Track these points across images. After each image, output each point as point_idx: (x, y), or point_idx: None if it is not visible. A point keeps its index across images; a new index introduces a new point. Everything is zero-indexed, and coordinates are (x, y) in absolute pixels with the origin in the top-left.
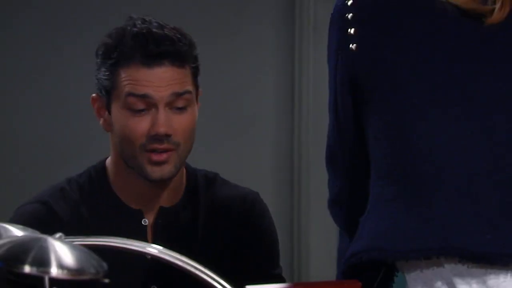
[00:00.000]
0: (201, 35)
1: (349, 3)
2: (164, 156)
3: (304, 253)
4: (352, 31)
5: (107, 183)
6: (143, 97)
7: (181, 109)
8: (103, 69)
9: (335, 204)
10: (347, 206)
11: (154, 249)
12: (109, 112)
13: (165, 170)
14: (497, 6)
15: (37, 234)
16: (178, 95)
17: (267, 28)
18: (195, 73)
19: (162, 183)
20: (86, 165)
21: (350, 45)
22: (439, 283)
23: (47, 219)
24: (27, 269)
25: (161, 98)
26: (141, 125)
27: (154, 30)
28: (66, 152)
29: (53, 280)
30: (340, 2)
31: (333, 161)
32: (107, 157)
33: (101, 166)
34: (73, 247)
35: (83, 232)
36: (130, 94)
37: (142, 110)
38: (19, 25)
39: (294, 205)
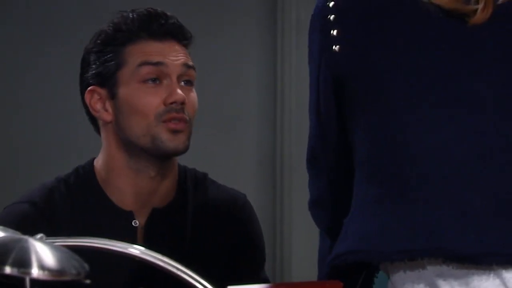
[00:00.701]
0: None
1: (331, 4)
2: (181, 125)
3: (287, 253)
4: (334, 32)
5: (97, 183)
6: (157, 64)
7: (189, 84)
8: (103, 54)
9: (317, 205)
10: (330, 207)
11: (136, 250)
12: (113, 97)
13: (181, 140)
14: (480, 6)
15: (18, 235)
16: (188, 66)
17: (250, 29)
18: (192, 61)
19: (161, 174)
20: (74, 164)
21: (333, 47)
22: (421, 285)
23: (35, 219)
24: (7, 270)
25: (175, 68)
26: (157, 95)
27: (158, 10)
28: (54, 151)
29: (34, 281)
30: (320, 3)
31: (316, 162)
32: (94, 158)
33: (89, 166)
34: (54, 248)
35: (71, 233)
36: (144, 63)
37: (154, 81)
38: (4, 25)
39: (277, 205)
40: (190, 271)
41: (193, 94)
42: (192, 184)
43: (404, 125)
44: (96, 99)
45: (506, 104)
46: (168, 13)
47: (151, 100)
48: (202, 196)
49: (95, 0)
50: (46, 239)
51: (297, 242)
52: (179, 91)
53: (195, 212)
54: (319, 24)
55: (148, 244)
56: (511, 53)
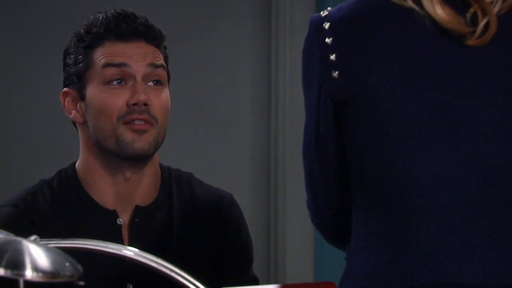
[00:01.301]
0: (177, 38)
1: (326, 26)
2: (144, 126)
3: (281, 254)
4: (333, 57)
5: (79, 184)
6: (120, 66)
7: (157, 84)
8: (75, 55)
9: (322, 218)
10: (332, 224)
11: (130, 252)
12: (83, 98)
13: (146, 140)
14: (479, 29)
15: (12, 237)
16: (155, 66)
17: (244, 30)
18: (165, 60)
19: (134, 173)
20: (59, 167)
21: (333, 73)
22: None
23: (19, 223)
24: (1, 271)
25: (138, 69)
26: (120, 96)
27: (126, 12)
28: (40, 154)
29: (28, 283)
30: (315, 25)
31: (315, 187)
32: (76, 160)
33: (71, 168)
34: (48, 250)
35: (57, 235)
36: (107, 64)
37: (119, 82)
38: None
39: (271, 205)
40: (184, 272)
41: (162, 94)
42: (176, 183)
43: (404, 154)
44: (70, 101)
45: (505, 127)
46: (138, 14)
47: (114, 102)
48: (187, 195)
49: (93, 2)
50: (40, 241)
51: (291, 243)
52: (142, 91)
53: (181, 210)
54: (317, 49)
55: (134, 242)
56: (508, 73)
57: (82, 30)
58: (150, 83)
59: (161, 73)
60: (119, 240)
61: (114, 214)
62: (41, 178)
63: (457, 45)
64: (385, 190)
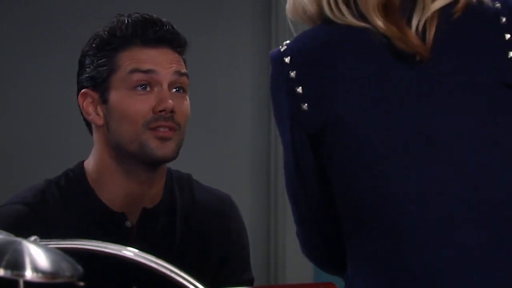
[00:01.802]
0: None
1: (287, 59)
2: (169, 133)
3: (281, 255)
4: (299, 89)
5: (88, 186)
6: (148, 72)
7: (181, 91)
8: (97, 58)
9: (315, 248)
10: (325, 253)
11: (130, 252)
12: (105, 102)
13: (170, 148)
14: (427, 42)
15: (11, 237)
16: (180, 74)
17: (244, 31)
18: (186, 66)
19: (152, 176)
20: (68, 164)
21: (302, 106)
22: None
23: (30, 220)
24: (1, 272)
25: (166, 75)
26: (147, 102)
27: (153, 17)
28: (48, 151)
29: (28, 283)
30: (276, 61)
31: (303, 220)
32: (83, 161)
33: (79, 168)
34: (48, 250)
35: (67, 235)
36: (135, 70)
37: (145, 88)
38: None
39: (271, 207)
40: (184, 273)
41: (185, 102)
42: (178, 184)
43: (384, 171)
44: (89, 102)
45: (481, 132)
46: (164, 20)
47: (140, 107)
48: (189, 196)
49: (92, 2)
50: (40, 241)
51: (291, 243)
52: (168, 99)
53: (183, 212)
54: (283, 84)
55: (141, 244)
56: (471, 78)
57: (105, 33)
58: (174, 90)
59: (185, 80)
60: (127, 243)
61: (123, 217)
62: (45, 177)
63: (416, 61)
64: (372, 213)
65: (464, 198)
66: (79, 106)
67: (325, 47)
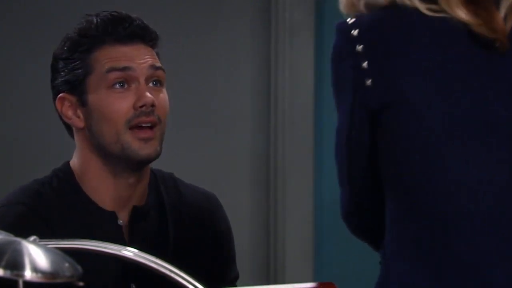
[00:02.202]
0: (176, 38)
1: (355, 32)
2: (150, 133)
3: (280, 255)
4: (365, 64)
5: (78, 186)
6: (125, 70)
7: (158, 85)
8: (71, 61)
9: (351, 215)
10: (364, 216)
11: (129, 252)
12: (84, 104)
13: (152, 147)
14: (507, 31)
15: (11, 237)
16: (155, 68)
17: (243, 30)
18: (160, 60)
19: (138, 174)
20: (44, 166)
21: (366, 81)
22: None
23: (32, 221)
24: (1, 272)
25: (142, 70)
26: (126, 100)
27: (122, 14)
28: (40, 153)
29: (27, 283)
30: (344, 33)
31: (343, 185)
32: (68, 161)
33: (67, 169)
34: (47, 250)
35: (64, 235)
36: (112, 69)
37: (123, 85)
38: None
39: (270, 207)
40: (183, 272)
41: (163, 95)
42: (163, 183)
43: (441, 154)
44: (67, 106)
45: None
46: (133, 15)
47: (120, 106)
48: (175, 194)
49: (92, 2)
50: (39, 241)
51: (291, 244)
52: (148, 93)
53: (173, 209)
54: (348, 57)
55: (134, 242)
56: None
57: (75, 34)
58: (151, 85)
59: (161, 74)
60: (121, 241)
61: (114, 216)
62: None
63: (489, 47)
64: (421, 196)
65: None
66: (57, 111)
67: (396, 26)
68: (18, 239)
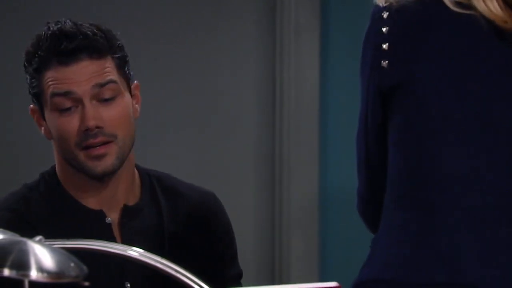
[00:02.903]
0: (180, 38)
1: (385, 15)
2: (102, 150)
3: (285, 255)
4: (385, 46)
5: (62, 188)
6: (66, 94)
7: (109, 100)
8: (29, 77)
9: (367, 203)
10: (371, 213)
11: (135, 252)
12: (44, 119)
13: (107, 163)
14: None
15: (16, 237)
16: (101, 85)
17: (249, 30)
18: (120, 64)
19: (110, 179)
20: (39, 169)
21: (382, 62)
22: None
23: (19, 226)
24: (6, 272)
25: (84, 92)
26: (71, 123)
27: (66, 28)
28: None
29: (33, 283)
30: (376, 14)
31: (360, 173)
32: (55, 164)
33: (53, 172)
34: (52, 250)
35: (52, 237)
36: (54, 94)
37: (69, 109)
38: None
39: (275, 206)
40: (189, 273)
41: (117, 107)
42: (158, 182)
43: (437, 151)
44: (37, 117)
45: None
46: (82, 26)
47: (67, 128)
48: (172, 193)
49: (93, 2)
50: (45, 241)
51: (296, 243)
52: (91, 115)
53: (169, 208)
54: (373, 38)
55: (127, 241)
56: None
57: (30, 50)
58: (98, 102)
59: (111, 88)
60: (111, 240)
61: (101, 214)
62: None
63: (510, 45)
64: (414, 184)
65: (506, 192)
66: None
67: (422, 13)
68: (24, 239)
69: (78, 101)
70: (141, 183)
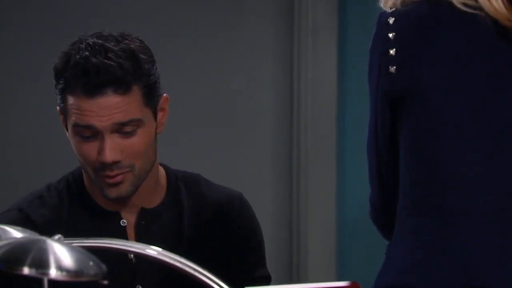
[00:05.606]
0: (197, 39)
1: (391, 21)
2: (118, 178)
3: (303, 254)
4: (392, 51)
5: (84, 188)
6: (87, 127)
7: (130, 133)
8: (56, 90)
9: (379, 212)
10: (384, 221)
11: (153, 251)
12: (67, 129)
13: (122, 190)
14: None
15: (36, 236)
16: (122, 124)
17: (266, 30)
18: (147, 93)
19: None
20: (61, 169)
21: (390, 68)
22: None
23: (22, 225)
24: (26, 270)
25: (106, 127)
26: (91, 151)
27: (94, 59)
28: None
29: (52, 282)
30: (383, 20)
31: (371, 181)
32: None
33: (78, 172)
34: (72, 249)
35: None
36: (76, 124)
37: (89, 137)
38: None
39: (293, 206)
40: (208, 272)
41: (134, 142)
42: (184, 184)
43: (450, 156)
44: (62, 120)
45: None
46: (107, 58)
47: (87, 154)
48: (197, 195)
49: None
50: (64, 239)
51: (314, 243)
52: (108, 150)
53: (191, 211)
54: (379, 44)
55: (144, 243)
56: None
57: (58, 66)
58: (122, 133)
59: (133, 124)
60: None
61: (117, 216)
62: (47, 181)
63: None
64: (427, 190)
65: None
66: None
67: (429, 18)
68: (43, 237)
69: (98, 133)
70: (168, 185)
